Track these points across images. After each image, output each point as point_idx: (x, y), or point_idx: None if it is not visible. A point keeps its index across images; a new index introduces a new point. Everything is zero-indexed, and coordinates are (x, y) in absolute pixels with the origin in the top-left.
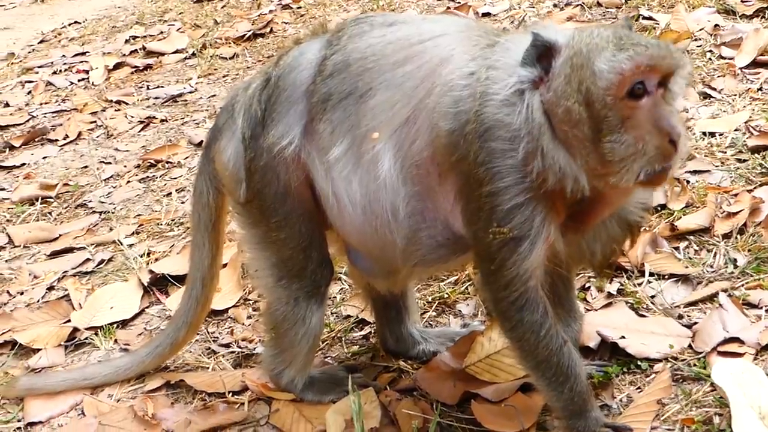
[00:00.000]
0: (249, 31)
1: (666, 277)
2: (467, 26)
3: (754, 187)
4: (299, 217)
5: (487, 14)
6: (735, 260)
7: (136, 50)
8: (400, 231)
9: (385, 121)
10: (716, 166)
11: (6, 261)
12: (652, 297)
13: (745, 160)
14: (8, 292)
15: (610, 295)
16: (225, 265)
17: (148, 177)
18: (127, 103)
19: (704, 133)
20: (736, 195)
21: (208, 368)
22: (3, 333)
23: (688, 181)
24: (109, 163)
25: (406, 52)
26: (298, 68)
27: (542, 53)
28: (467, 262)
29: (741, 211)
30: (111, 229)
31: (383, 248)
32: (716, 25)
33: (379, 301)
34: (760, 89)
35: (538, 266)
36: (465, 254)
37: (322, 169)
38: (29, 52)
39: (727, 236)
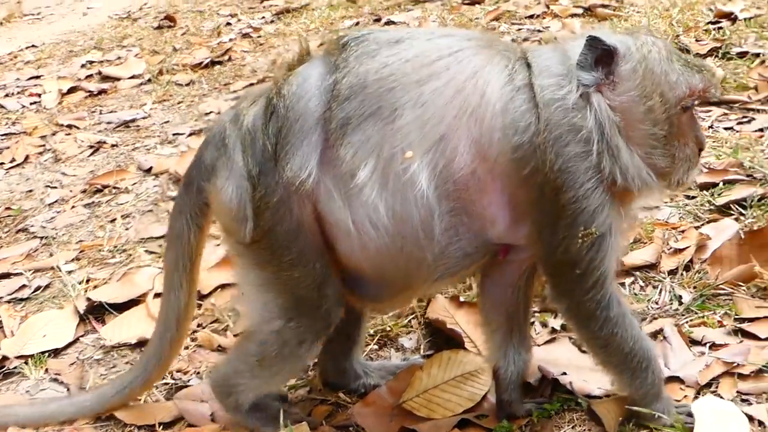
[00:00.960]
0: (207, 58)
1: None
2: (477, 38)
3: (702, 224)
4: (313, 252)
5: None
6: (680, 297)
7: (91, 75)
8: (433, 248)
9: (418, 140)
10: (665, 203)
11: None
12: None
13: (693, 197)
14: None
15: (553, 330)
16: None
17: (93, 202)
18: (78, 128)
19: None
20: (683, 231)
21: (140, 400)
22: None
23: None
24: (55, 187)
25: (427, 69)
26: (305, 96)
27: (600, 57)
28: (480, 268)
29: (687, 247)
30: (51, 255)
31: (406, 268)
32: None
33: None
34: (710, 127)
35: (617, 259)
36: (483, 260)
37: (340, 196)
38: None
39: (673, 273)
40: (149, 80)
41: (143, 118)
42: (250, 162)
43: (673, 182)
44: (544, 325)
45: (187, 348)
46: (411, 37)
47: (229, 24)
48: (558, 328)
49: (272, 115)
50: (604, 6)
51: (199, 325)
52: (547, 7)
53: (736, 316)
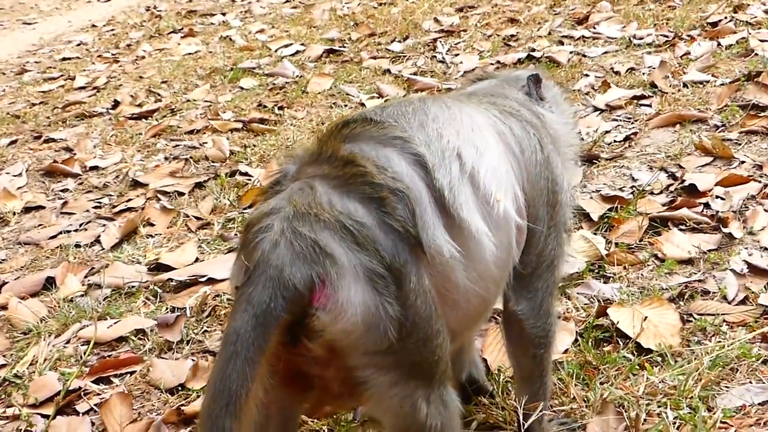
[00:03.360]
0: None
1: None
2: (478, 100)
3: None
4: (442, 318)
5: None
6: None
7: None
8: (503, 287)
9: (497, 185)
10: None
11: None
12: None
13: None
14: None
15: None
16: None
17: None
18: None
19: None
20: None
21: None
22: None
23: None
24: None
25: (467, 124)
26: (407, 174)
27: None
28: None
29: None
30: None
31: (481, 317)
32: None
33: None
34: None
35: None
36: None
37: (464, 257)
38: None
39: None
40: None
41: None
42: (381, 254)
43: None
44: None
45: None
46: (419, 108)
47: None
48: None
49: (394, 201)
50: (262, 121)
51: None
52: (209, 121)
53: None
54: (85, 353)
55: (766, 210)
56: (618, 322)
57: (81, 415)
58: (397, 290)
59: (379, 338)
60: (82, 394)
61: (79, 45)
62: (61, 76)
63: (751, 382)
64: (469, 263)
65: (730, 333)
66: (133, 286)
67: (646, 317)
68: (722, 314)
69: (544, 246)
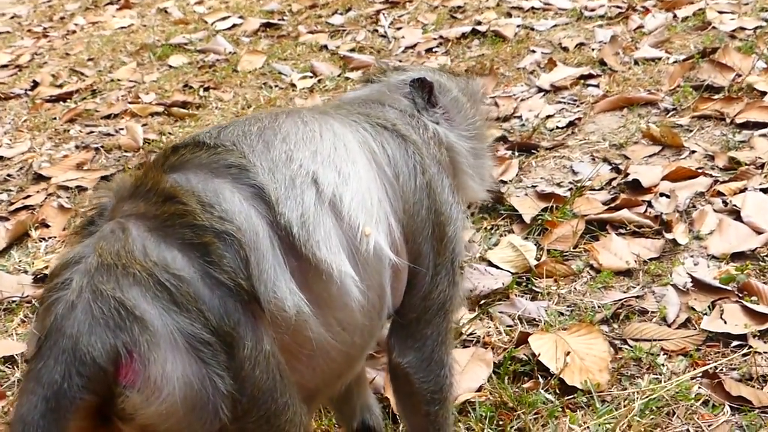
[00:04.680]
0: None
1: None
2: (324, 112)
3: None
4: (291, 386)
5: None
6: None
7: None
8: (378, 329)
9: (366, 216)
10: None
11: None
12: None
13: None
14: None
15: None
16: None
17: None
18: None
19: None
20: None
21: None
22: None
23: None
24: None
25: (322, 146)
26: (238, 211)
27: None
28: None
29: None
30: None
31: (352, 364)
32: None
33: None
34: None
35: None
36: None
37: (318, 307)
38: None
39: None
40: None
41: None
42: (206, 315)
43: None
44: None
45: None
46: (268, 125)
47: None
48: None
49: (221, 247)
50: (184, 104)
51: None
52: (129, 104)
53: None
54: None
55: (715, 210)
56: (539, 354)
57: None
58: (228, 359)
59: (209, 419)
60: None
61: (12, 18)
62: None
63: (688, 431)
64: (327, 313)
65: (668, 364)
66: (13, 301)
67: (568, 352)
68: (660, 340)
69: (430, 287)
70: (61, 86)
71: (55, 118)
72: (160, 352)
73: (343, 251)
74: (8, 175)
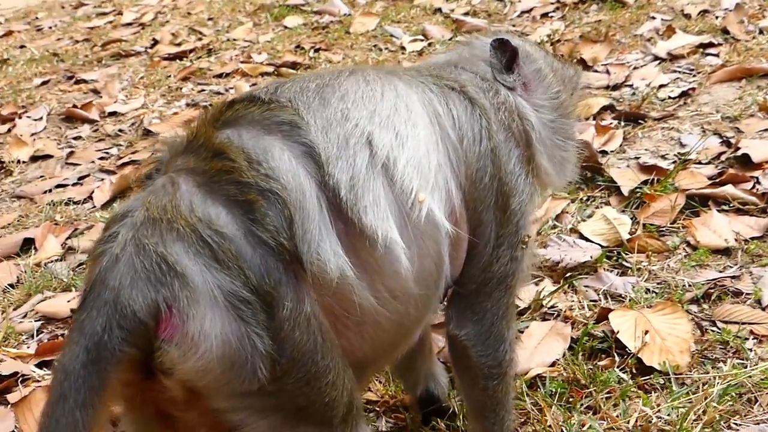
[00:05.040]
0: None
1: None
2: (390, 72)
3: None
4: (337, 351)
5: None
6: None
7: None
8: (436, 300)
9: (420, 180)
10: None
11: None
12: None
13: None
14: None
15: None
16: None
17: None
18: None
19: None
20: None
21: None
22: None
23: None
24: None
25: (383, 107)
26: (289, 170)
27: (509, 60)
28: None
29: None
30: None
31: (406, 334)
32: None
33: None
34: None
35: None
36: None
37: (365, 273)
38: None
39: None
40: None
41: None
42: (247, 273)
43: (577, 168)
44: None
45: None
46: (328, 82)
47: None
48: None
49: (264, 205)
50: (294, 65)
51: None
52: (241, 64)
53: None
54: (37, 331)
55: None
56: (618, 332)
57: (9, 407)
58: (268, 319)
59: (247, 378)
60: (20, 380)
61: None
62: (113, 11)
63: None
64: (376, 279)
65: (757, 349)
66: None
67: (647, 331)
68: (751, 323)
69: (491, 259)
70: (179, 45)
71: (169, 76)
72: (199, 308)
73: (392, 217)
74: (120, 130)
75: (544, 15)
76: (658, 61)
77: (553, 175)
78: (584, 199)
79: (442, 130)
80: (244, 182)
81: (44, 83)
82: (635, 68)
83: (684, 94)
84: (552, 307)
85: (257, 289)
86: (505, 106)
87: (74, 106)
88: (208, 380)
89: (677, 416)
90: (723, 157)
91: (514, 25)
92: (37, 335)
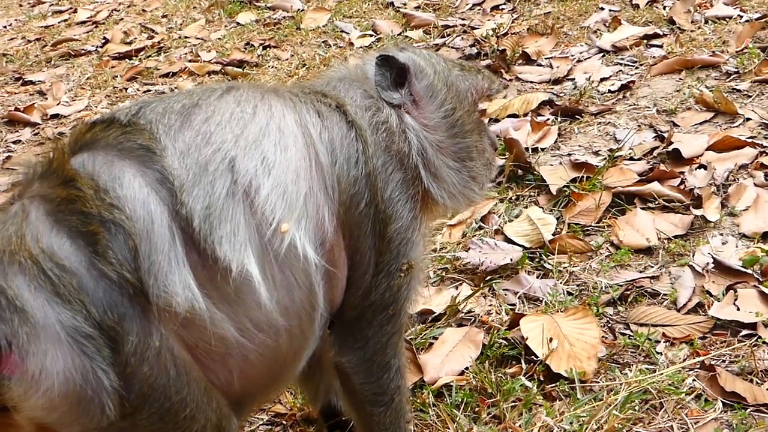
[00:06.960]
0: None
1: None
2: (265, 90)
3: None
4: (200, 386)
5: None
6: None
7: None
8: (313, 329)
9: (286, 208)
10: None
11: None
12: None
13: None
14: None
15: None
16: None
17: None
18: None
19: None
20: None
21: None
22: None
23: None
24: None
25: (252, 128)
26: (138, 198)
27: (396, 76)
28: None
29: None
30: None
31: (284, 364)
32: None
33: None
34: None
35: None
36: None
37: (222, 304)
38: None
39: None
40: None
41: None
42: (90, 309)
43: (484, 188)
44: None
45: None
46: (196, 102)
47: None
48: None
49: (106, 237)
50: (241, 63)
51: None
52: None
53: None
54: None
55: (756, 184)
56: (527, 338)
57: None
58: (113, 354)
59: (95, 415)
60: None
61: None
62: (69, 9)
63: (671, 427)
64: (237, 311)
65: (667, 353)
66: None
67: (551, 339)
68: (665, 325)
69: (370, 287)
70: (130, 43)
71: (116, 76)
72: (39, 344)
73: (251, 248)
74: (60, 133)
75: (495, 7)
76: (601, 54)
77: (443, 200)
78: (513, 198)
79: (317, 153)
80: (87, 212)
81: None
82: (579, 61)
83: (624, 87)
84: (469, 312)
85: (100, 324)
86: (386, 126)
87: (16, 108)
88: (56, 417)
89: (578, 425)
90: (656, 153)
91: (464, 19)
92: None
